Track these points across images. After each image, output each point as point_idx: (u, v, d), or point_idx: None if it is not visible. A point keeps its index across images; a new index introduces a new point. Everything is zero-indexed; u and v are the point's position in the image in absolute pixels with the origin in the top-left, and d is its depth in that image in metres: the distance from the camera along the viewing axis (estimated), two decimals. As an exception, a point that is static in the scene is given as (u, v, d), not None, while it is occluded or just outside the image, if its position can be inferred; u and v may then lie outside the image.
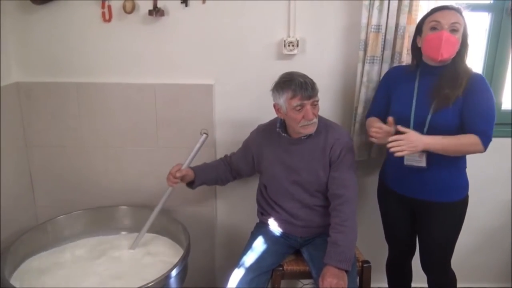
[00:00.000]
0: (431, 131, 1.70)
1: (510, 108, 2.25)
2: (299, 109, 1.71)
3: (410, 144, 1.63)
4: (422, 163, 1.75)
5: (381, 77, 1.97)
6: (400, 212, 1.94)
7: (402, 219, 1.95)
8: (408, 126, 1.72)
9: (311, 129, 1.77)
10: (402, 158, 1.77)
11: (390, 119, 1.71)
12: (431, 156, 1.73)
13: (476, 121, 1.66)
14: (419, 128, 1.72)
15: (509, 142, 2.25)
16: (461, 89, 1.66)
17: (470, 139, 1.66)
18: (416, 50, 1.79)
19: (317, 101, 1.74)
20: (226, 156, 2.05)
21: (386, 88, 1.89)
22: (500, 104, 2.21)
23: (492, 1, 2.10)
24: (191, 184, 1.96)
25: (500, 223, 2.39)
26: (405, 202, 1.88)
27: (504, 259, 2.47)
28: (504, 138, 2.23)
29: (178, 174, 1.85)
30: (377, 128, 1.71)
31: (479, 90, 1.68)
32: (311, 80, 1.73)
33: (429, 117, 1.71)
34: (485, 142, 1.67)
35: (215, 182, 2.04)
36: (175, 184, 1.87)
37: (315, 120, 1.75)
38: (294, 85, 1.69)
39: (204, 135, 1.88)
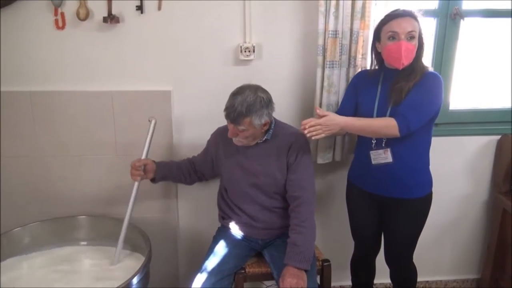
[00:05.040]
0: None
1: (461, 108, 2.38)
2: (228, 124, 1.78)
3: (325, 127, 1.69)
4: (388, 158, 1.81)
5: (349, 80, 2.01)
6: (367, 210, 1.98)
7: (369, 218, 2.00)
8: None
9: (239, 144, 1.83)
10: (366, 157, 1.85)
11: (316, 109, 1.76)
12: (397, 153, 1.80)
13: (404, 106, 1.73)
14: None
15: (462, 140, 2.36)
16: (413, 82, 1.73)
17: (385, 121, 1.72)
18: (377, 54, 1.85)
19: (243, 129, 1.74)
20: (193, 156, 2.08)
21: (353, 91, 1.94)
22: (448, 105, 2.32)
23: (437, 7, 2.18)
24: (153, 179, 1.98)
25: (455, 217, 2.50)
26: (372, 200, 1.93)
27: (459, 252, 2.58)
28: (458, 136, 2.34)
29: (138, 163, 1.88)
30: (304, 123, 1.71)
31: (426, 83, 1.75)
32: (245, 110, 1.69)
33: (388, 112, 1.77)
34: (402, 126, 1.69)
35: (179, 179, 2.05)
36: (138, 177, 1.89)
37: (239, 139, 1.79)
38: (227, 104, 1.74)
39: (153, 120, 1.91)
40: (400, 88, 1.74)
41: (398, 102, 1.75)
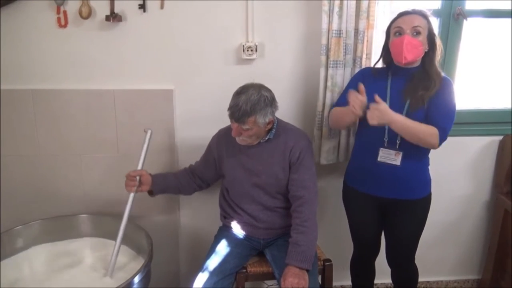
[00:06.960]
0: None
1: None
2: (232, 123, 1.77)
3: (380, 114, 1.66)
4: (397, 161, 1.80)
5: (352, 76, 1.98)
6: (367, 211, 1.97)
7: (369, 219, 1.99)
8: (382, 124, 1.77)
9: (242, 143, 1.82)
10: (368, 158, 1.84)
11: (362, 87, 1.70)
12: (405, 156, 1.79)
13: (440, 117, 1.73)
14: None
15: (464, 141, 2.36)
16: (434, 90, 1.73)
17: (430, 129, 1.71)
18: (388, 52, 1.84)
19: (247, 129, 1.74)
20: (190, 165, 2.06)
21: (357, 85, 1.87)
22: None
23: (440, 7, 2.19)
24: (151, 192, 1.95)
25: (456, 218, 2.50)
26: (373, 201, 1.92)
27: (460, 252, 2.58)
28: (460, 137, 2.33)
29: (133, 173, 1.85)
30: (353, 97, 1.70)
31: (448, 92, 1.76)
32: (249, 109, 1.69)
33: (403, 115, 1.76)
34: (441, 138, 1.73)
35: (178, 190, 2.03)
36: (133, 187, 1.85)
37: (243, 138, 1.78)
38: (231, 103, 1.73)
39: (149, 131, 1.90)
40: (422, 98, 1.74)
41: (415, 109, 1.75)
